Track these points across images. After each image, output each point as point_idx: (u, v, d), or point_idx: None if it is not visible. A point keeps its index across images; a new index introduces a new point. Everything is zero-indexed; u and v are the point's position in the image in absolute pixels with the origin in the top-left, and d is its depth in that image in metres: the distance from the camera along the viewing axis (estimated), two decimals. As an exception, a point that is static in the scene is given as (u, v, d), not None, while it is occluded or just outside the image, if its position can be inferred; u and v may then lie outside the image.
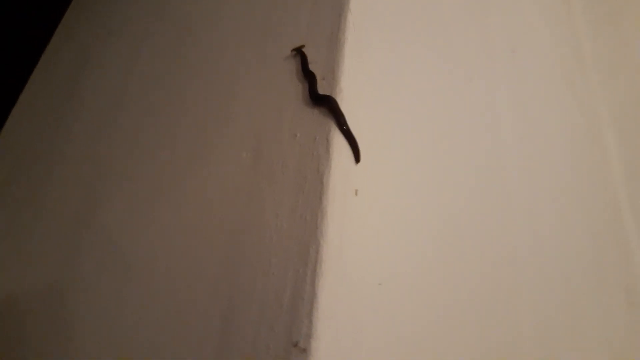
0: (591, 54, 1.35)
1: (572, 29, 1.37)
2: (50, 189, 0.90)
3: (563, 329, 0.70)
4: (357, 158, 0.55)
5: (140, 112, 0.86)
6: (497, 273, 0.66)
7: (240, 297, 0.52)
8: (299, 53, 0.64)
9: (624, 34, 1.35)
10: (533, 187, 0.84)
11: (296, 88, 0.62)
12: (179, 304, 0.58)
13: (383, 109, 0.61)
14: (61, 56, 1.16)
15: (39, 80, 1.16)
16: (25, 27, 1.35)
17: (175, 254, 0.64)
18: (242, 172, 0.61)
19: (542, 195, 0.86)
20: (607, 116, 1.26)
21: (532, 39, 1.14)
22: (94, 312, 0.68)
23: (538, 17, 1.25)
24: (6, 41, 1.28)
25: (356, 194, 0.53)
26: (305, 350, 0.43)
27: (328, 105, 0.55)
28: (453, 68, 0.79)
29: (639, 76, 1.27)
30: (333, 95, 0.56)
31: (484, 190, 0.72)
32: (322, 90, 0.58)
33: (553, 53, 1.22)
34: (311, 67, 0.61)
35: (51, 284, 0.78)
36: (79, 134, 0.93)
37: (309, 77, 0.60)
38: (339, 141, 0.54)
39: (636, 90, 1.26)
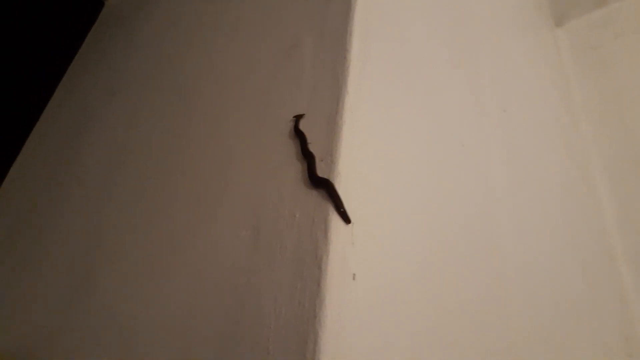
0: (582, 104, 1.38)
1: (563, 80, 1.40)
2: (47, 256, 0.89)
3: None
4: (346, 221, 0.55)
5: (139, 180, 0.87)
6: (493, 336, 0.66)
7: (237, 387, 0.51)
8: (299, 134, 0.65)
9: (613, 84, 1.39)
10: (527, 240, 0.85)
11: (296, 168, 0.63)
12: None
13: (380, 192, 0.62)
14: (61, 116, 1.18)
15: (37, 141, 1.17)
16: (26, 84, 1.37)
17: (173, 330, 0.63)
18: (241, 251, 0.61)
19: (537, 247, 0.87)
20: (599, 165, 1.28)
21: (523, 95, 1.17)
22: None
23: (528, 72, 1.29)
24: (5, 99, 1.30)
25: (354, 279, 0.54)
26: None
27: (326, 189, 0.57)
28: (445, 136, 0.81)
29: (629, 124, 1.29)
30: (331, 179, 0.57)
31: (480, 256, 0.72)
32: (320, 171, 0.60)
33: (544, 106, 1.25)
34: (310, 147, 0.63)
35: (46, 352, 0.77)
36: (78, 199, 0.94)
37: (308, 158, 0.61)
38: (337, 225, 0.55)
39: (627, 139, 1.28)
